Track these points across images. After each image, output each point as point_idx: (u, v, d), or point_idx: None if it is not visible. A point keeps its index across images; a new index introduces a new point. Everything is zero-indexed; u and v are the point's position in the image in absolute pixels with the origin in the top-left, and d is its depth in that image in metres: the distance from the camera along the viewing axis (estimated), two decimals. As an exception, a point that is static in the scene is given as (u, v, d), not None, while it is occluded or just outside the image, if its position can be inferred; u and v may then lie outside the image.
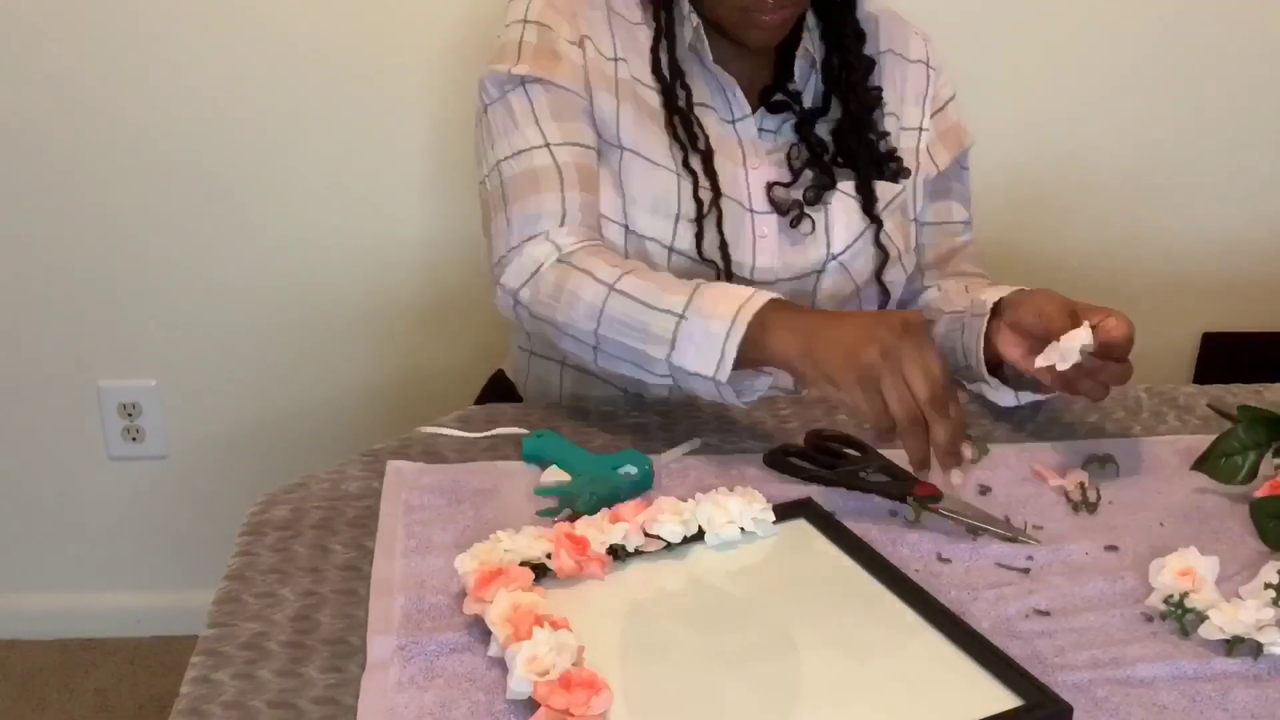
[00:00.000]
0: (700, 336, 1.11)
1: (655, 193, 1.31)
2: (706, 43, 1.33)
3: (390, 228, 1.91)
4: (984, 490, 1.14)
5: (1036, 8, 1.86)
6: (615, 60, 1.33)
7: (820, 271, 1.35)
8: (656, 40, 1.33)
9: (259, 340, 1.97)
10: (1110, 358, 1.13)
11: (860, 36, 1.38)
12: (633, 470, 1.11)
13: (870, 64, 1.39)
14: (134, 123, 1.85)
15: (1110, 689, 0.88)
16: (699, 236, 1.31)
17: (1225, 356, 2.02)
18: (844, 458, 1.18)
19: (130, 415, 2.01)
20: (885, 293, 1.40)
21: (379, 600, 0.96)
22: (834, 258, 1.35)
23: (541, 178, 1.26)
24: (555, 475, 1.12)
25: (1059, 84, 1.90)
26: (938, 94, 1.44)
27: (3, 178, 1.88)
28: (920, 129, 1.42)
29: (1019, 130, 1.90)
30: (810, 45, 1.36)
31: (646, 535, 1.01)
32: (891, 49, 1.41)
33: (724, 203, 1.32)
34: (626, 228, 1.31)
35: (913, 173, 1.41)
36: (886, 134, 1.39)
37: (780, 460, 1.17)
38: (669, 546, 1.02)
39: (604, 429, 1.25)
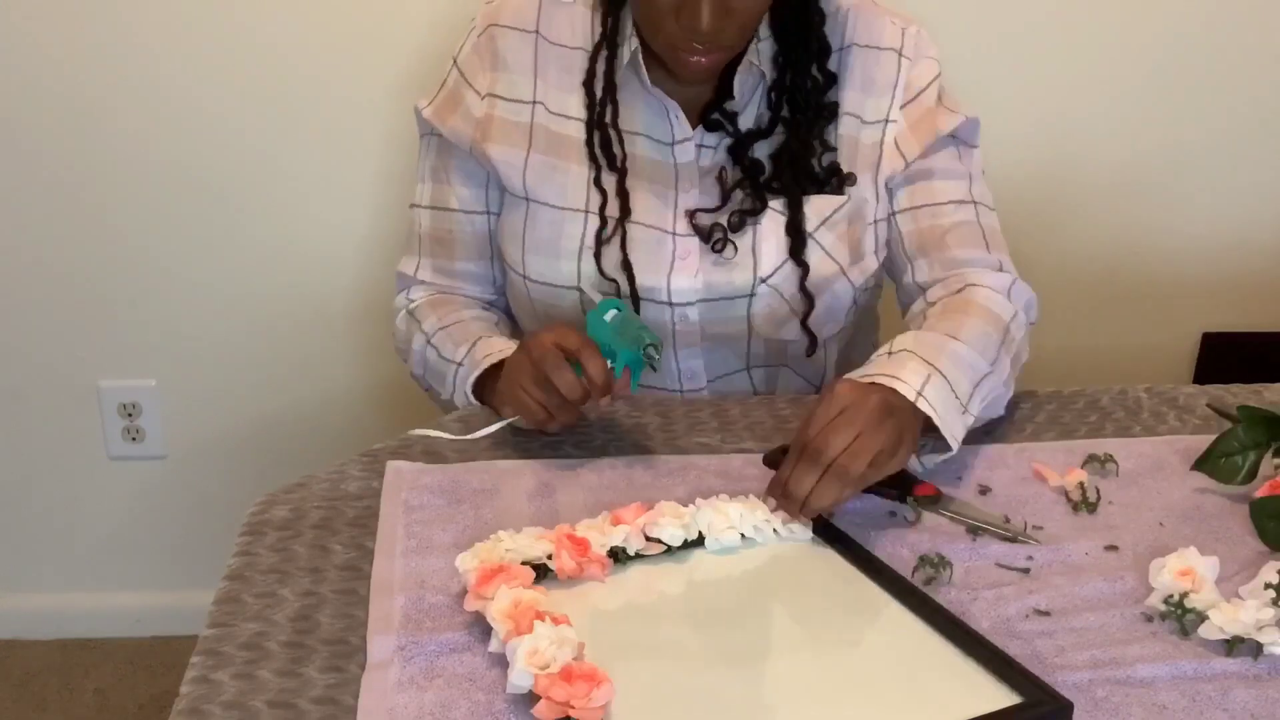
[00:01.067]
0: (461, 383, 1.30)
1: (560, 236, 1.32)
2: (643, 67, 1.30)
3: (390, 227, 1.91)
4: (984, 490, 1.14)
5: (1034, 8, 1.86)
6: (532, 104, 1.33)
7: (751, 295, 1.32)
8: (596, 51, 1.32)
9: (259, 340, 1.97)
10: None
11: (824, 52, 1.32)
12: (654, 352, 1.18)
13: (831, 78, 1.32)
14: (134, 124, 1.85)
15: (1110, 689, 0.88)
16: (598, 256, 1.31)
17: (1225, 356, 2.02)
18: None
19: (130, 415, 2.01)
20: (812, 340, 1.34)
21: (379, 600, 0.96)
22: (762, 281, 1.31)
23: (413, 240, 1.44)
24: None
25: (1055, 84, 1.90)
26: (910, 83, 1.33)
27: (3, 180, 1.88)
28: (886, 121, 1.33)
29: (1015, 131, 1.90)
30: (756, 59, 1.30)
31: (647, 539, 1.01)
32: (856, 42, 1.33)
33: (634, 227, 1.31)
34: (525, 277, 1.35)
35: (875, 168, 1.33)
36: (833, 149, 1.33)
37: (780, 460, 1.17)
38: (669, 550, 1.02)
39: (603, 428, 1.25)
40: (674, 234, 1.32)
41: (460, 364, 1.30)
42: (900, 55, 1.34)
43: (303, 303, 1.95)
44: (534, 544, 0.98)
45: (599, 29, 1.32)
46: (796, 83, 1.32)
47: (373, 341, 1.97)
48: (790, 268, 1.32)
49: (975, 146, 1.38)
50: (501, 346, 1.28)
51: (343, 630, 0.93)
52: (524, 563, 0.95)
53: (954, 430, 1.11)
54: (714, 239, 1.31)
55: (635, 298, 1.32)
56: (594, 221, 1.31)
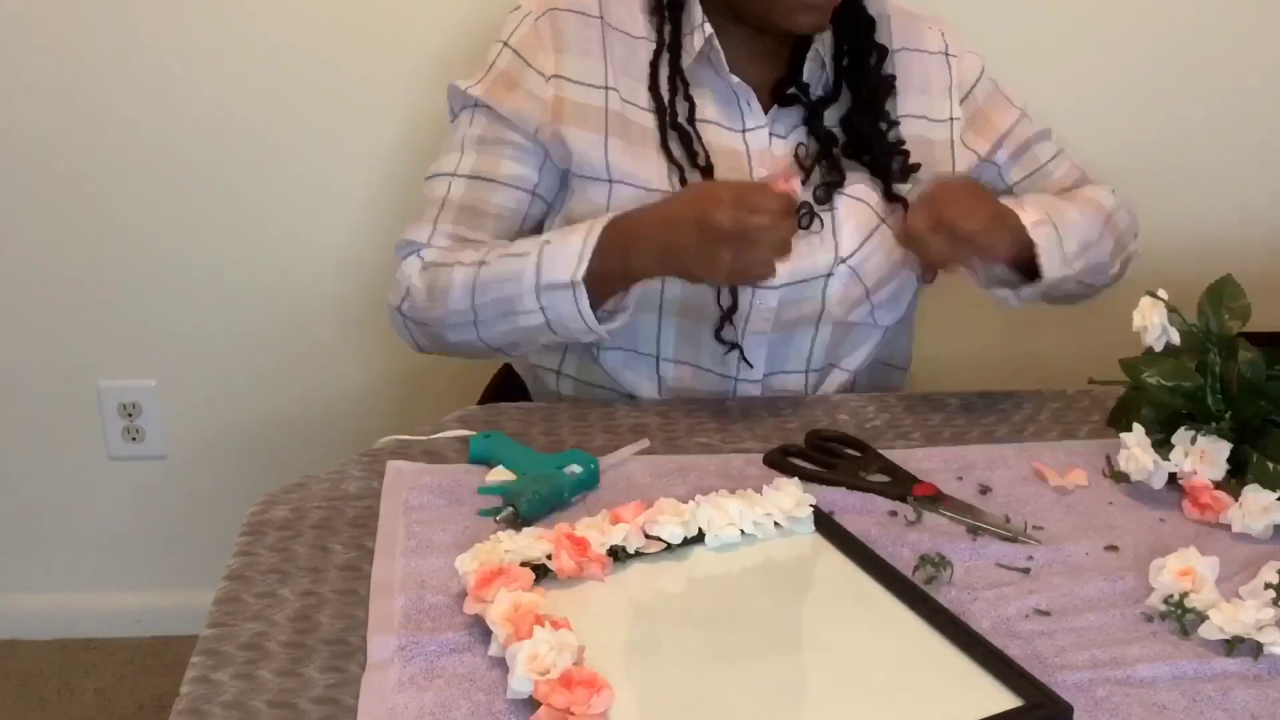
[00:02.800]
0: (560, 252, 1.22)
1: None
2: (721, 52, 1.31)
3: (390, 227, 1.90)
4: (984, 490, 1.14)
5: (1025, 5, 1.86)
6: (605, 89, 1.32)
7: (828, 275, 1.34)
8: (657, 55, 1.32)
9: (259, 340, 1.97)
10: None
11: (870, 24, 1.36)
12: (577, 469, 1.11)
13: (883, 51, 1.37)
14: (135, 123, 1.85)
15: (1110, 689, 0.88)
16: None
17: (1225, 356, 2.01)
18: (844, 458, 1.18)
19: (130, 415, 2.01)
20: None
21: (379, 600, 0.96)
22: (842, 261, 1.34)
23: (428, 206, 1.35)
24: (500, 475, 1.12)
25: (1048, 83, 1.89)
26: (962, 80, 1.42)
27: (3, 178, 1.88)
28: (951, 119, 1.40)
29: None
30: (820, 46, 1.35)
31: (647, 537, 1.01)
32: (906, 46, 1.40)
33: None
34: None
35: (952, 165, 1.39)
36: (896, 123, 1.37)
37: (780, 460, 1.17)
38: (669, 548, 1.02)
39: (603, 428, 1.25)
40: None
41: (546, 242, 1.23)
42: (947, 56, 1.41)
43: (303, 303, 1.95)
44: (533, 544, 0.97)
45: (657, 15, 1.33)
46: (854, 52, 1.36)
47: (373, 341, 1.97)
48: (872, 246, 1.34)
49: (1030, 119, 1.48)
50: (581, 223, 1.24)
51: (343, 630, 0.93)
52: (523, 563, 0.95)
53: (1051, 266, 1.29)
54: (800, 213, 1.31)
55: (734, 295, 1.31)
56: None
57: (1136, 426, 1.14)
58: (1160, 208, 1.97)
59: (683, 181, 1.30)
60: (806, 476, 1.14)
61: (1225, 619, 0.92)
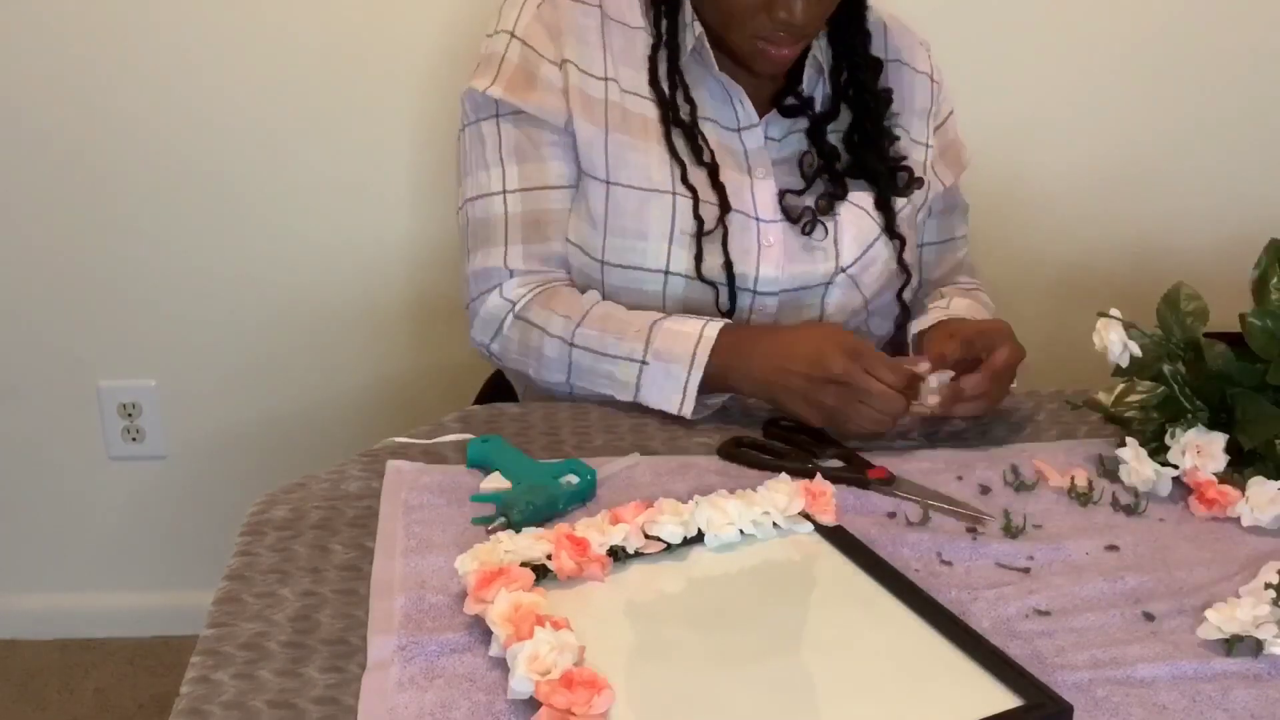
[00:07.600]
0: (662, 379, 1.23)
1: (646, 219, 1.30)
2: (710, 51, 1.31)
3: (390, 227, 1.92)
4: (984, 490, 1.14)
5: (1023, 5, 1.86)
6: (605, 80, 1.31)
7: (828, 284, 1.34)
8: (655, 50, 1.32)
9: (259, 340, 1.98)
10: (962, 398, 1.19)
11: (868, 38, 1.36)
12: (574, 479, 1.10)
13: (878, 64, 1.37)
14: (136, 123, 1.85)
15: (1110, 689, 0.88)
16: (698, 258, 1.30)
17: (1224, 356, 2.02)
18: (798, 445, 1.18)
19: (130, 415, 2.01)
20: (905, 311, 1.41)
21: (379, 600, 0.96)
22: (842, 270, 1.34)
23: (494, 230, 1.33)
24: (495, 482, 1.11)
25: (1045, 83, 1.90)
26: (940, 109, 1.42)
27: (3, 177, 1.88)
28: (926, 144, 1.41)
29: (1006, 131, 1.90)
30: (819, 53, 1.34)
31: (646, 537, 1.01)
32: (900, 58, 1.40)
33: (730, 217, 1.30)
34: (603, 262, 1.31)
35: (925, 190, 1.40)
36: (897, 138, 1.38)
37: (734, 451, 1.17)
38: (669, 548, 1.02)
39: (603, 429, 1.25)
40: (758, 219, 1.32)
41: (645, 362, 1.23)
42: (932, 80, 1.41)
43: (304, 302, 1.95)
44: (533, 544, 0.97)
45: (653, 9, 1.32)
46: (854, 66, 1.35)
47: (373, 341, 1.97)
48: (870, 257, 1.34)
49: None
50: (689, 330, 1.23)
51: (343, 630, 0.93)
52: (523, 564, 0.95)
53: None
54: (803, 221, 1.31)
55: (731, 287, 1.31)
56: (683, 204, 1.29)
57: (1130, 440, 1.14)
58: (1163, 206, 1.97)
59: (684, 177, 1.29)
60: (759, 465, 1.15)
61: (1225, 618, 0.92)
